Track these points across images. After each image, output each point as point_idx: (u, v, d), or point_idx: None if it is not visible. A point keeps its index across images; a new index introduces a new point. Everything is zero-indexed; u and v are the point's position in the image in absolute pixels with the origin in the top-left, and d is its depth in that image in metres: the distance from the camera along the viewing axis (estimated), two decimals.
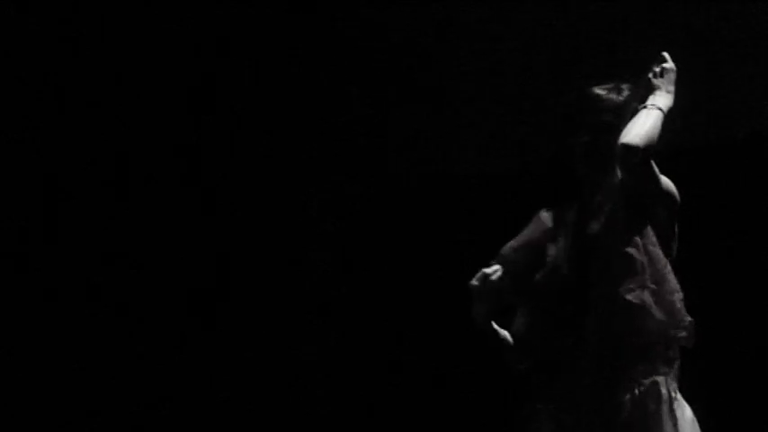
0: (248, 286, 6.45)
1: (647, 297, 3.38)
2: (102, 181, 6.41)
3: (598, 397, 3.40)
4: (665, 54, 3.49)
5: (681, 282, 3.45)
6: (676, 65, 3.49)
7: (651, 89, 3.47)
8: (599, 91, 3.52)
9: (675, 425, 3.36)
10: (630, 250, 3.40)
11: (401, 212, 6.24)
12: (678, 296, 3.42)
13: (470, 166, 6.10)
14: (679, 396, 3.43)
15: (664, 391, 3.38)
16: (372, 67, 6.39)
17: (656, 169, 3.44)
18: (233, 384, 6.36)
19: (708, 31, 5.43)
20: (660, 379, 3.39)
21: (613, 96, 3.51)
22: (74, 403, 6.22)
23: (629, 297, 3.38)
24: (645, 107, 3.43)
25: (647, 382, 3.38)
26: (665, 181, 3.48)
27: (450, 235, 5.94)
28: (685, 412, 3.42)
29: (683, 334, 3.41)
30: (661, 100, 3.44)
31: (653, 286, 3.39)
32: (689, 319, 3.42)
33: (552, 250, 3.51)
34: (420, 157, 6.28)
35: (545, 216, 3.60)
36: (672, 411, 3.37)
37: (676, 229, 3.51)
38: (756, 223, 5.32)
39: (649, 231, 3.44)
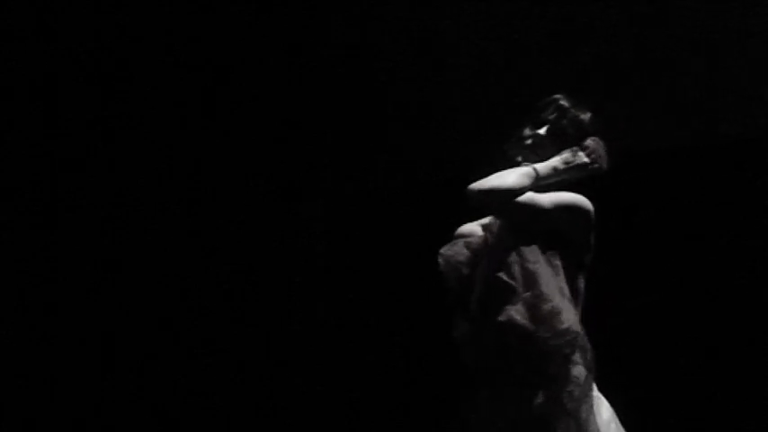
0: (246, 286, 6.46)
1: (515, 315, 3.43)
2: (99, 183, 6.42)
3: (517, 401, 3.44)
4: (600, 148, 3.58)
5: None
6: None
7: (570, 151, 3.59)
8: (565, 102, 3.67)
9: (595, 422, 3.39)
10: (501, 274, 3.49)
11: (397, 213, 6.25)
12: (551, 306, 3.43)
13: (466, 167, 6.11)
14: (598, 394, 3.47)
15: (580, 390, 3.41)
16: (366, 71, 6.41)
17: (533, 200, 3.50)
18: (232, 384, 6.37)
19: (708, 30, 5.44)
20: (576, 379, 3.42)
21: (579, 113, 3.66)
22: (73, 403, 6.23)
23: (499, 318, 3.44)
24: (526, 164, 3.57)
25: (562, 383, 3.41)
26: (560, 201, 3.54)
27: (447, 235, 5.94)
28: (602, 410, 3.45)
29: (561, 341, 3.41)
30: (548, 164, 3.56)
31: (524, 307, 3.44)
32: (564, 327, 3.42)
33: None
34: (414, 161, 6.29)
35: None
36: (591, 411, 3.40)
37: (592, 241, 3.56)
38: (754, 223, 5.33)
39: (526, 251, 3.50)
